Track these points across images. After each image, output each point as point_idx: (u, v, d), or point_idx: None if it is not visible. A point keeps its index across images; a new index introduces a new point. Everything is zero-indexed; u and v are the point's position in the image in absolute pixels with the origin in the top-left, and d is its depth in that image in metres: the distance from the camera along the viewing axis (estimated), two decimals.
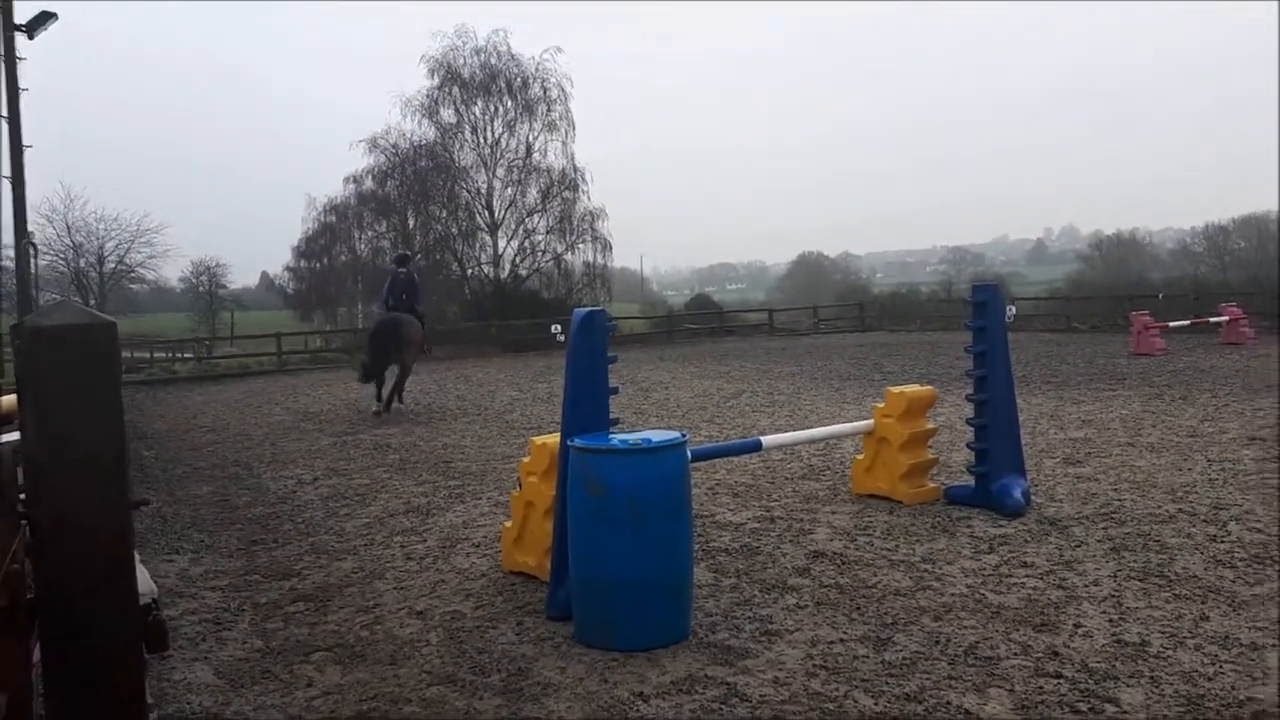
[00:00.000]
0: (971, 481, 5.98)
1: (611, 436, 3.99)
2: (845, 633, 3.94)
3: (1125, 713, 3.12)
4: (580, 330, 4.15)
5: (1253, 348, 16.83)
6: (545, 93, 31.25)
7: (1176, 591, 4.26)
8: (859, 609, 4.22)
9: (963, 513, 5.82)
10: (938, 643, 3.78)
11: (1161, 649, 3.63)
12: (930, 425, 6.32)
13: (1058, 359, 16.50)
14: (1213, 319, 18.79)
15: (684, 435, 3.97)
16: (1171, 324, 18.01)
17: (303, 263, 32.03)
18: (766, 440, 5.77)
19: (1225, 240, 57.94)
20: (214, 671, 3.86)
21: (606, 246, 31.88)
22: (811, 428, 8.37)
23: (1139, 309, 18.75)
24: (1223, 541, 5.00)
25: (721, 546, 5.33)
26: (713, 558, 5.12)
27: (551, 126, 31.39)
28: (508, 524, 5.02)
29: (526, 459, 4.84)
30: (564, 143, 31.49)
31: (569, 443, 3.95)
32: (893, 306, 36.53)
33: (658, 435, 3.93)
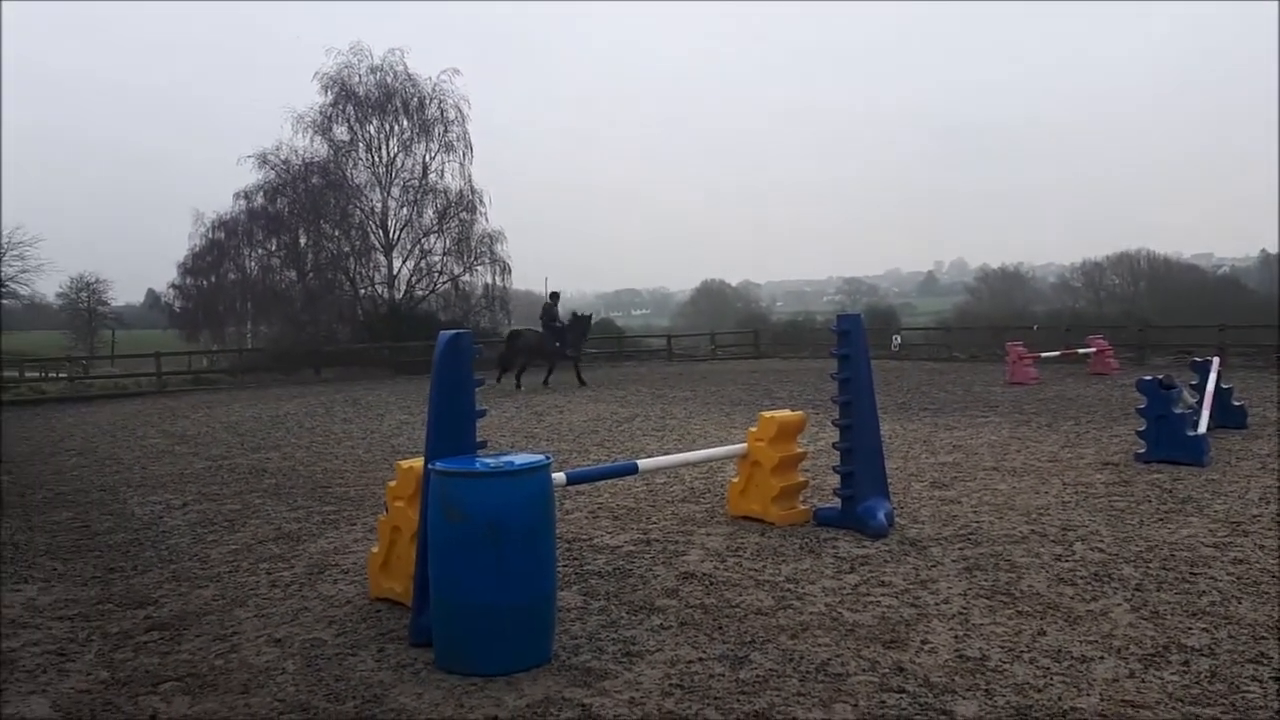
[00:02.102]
0: (839, 504, 6.18)
1: (475, 460, 3.99)
2: (705, 652, 4.02)
3: None
4: (445, 353, 4.15)
5: (1117, 378, 17.81)
6: (443, 113, 31.03)
7: (1019, 608, 4.49)
8: (721, 629, 4.31)
9: (830, 534, 6.00)
10: (792, 660, 3.90)
11: (999, 663, 3.81)
12: (800, 449, 6.50)
13: (937, 387, 17.15)
14: (1081, 350, 19.83)
15: (549, 458, 4.00)
16: (1044, 354, 18.94)
17: (189, 280, 30.85)
18: (643, 463, 5.85)
19: (1101, 276, 61.24)
20: (51, 704, 3.69)
21: (506, 269, 31.71)
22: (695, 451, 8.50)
23: (1015, 340, 19.64)
24: (1067, 561, 5.28)
25: (595, 569, 5.37)
26: (585, 580, 5.15)
27: (449, 147, 31.16)
28: (374, 550, 4.95)
29: (393, 483, 4.80)
30: (462, 164, 31.28)
31: (429, 466, 3.94)
32: (788, 334, 37.35)
33: (521, 458, 3.95)
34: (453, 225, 31.26)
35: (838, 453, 6.25)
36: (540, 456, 3.97)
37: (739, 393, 17.04)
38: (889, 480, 6.82)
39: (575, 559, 5.59)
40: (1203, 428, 8.68)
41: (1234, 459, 8.40)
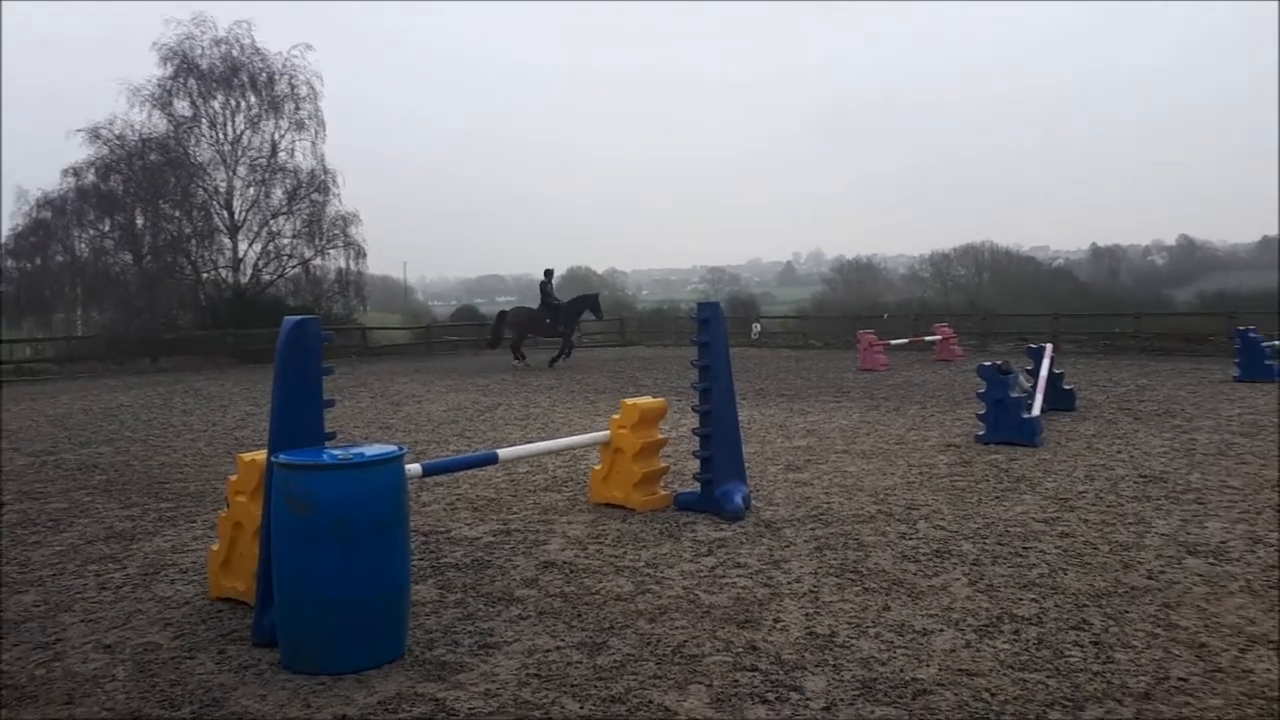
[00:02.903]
0: (698, 488, 6.27)
1: (322, 452, 3.83)
2: (563, 640, 4.00)
3: (808, 699, 3.36)
4: (289, 340, 3.96)
5: (961, 364, 18.79)
6: (293, 90, 29.71)
7: (866, 585, 4.66)
8: (580, 616, 4.30)
9: (690, 518, 6.09)
10: (649, 644, 3.92)
11: (847, 638, 3.95)
12: (662, 435, 6.56)
13: (794, 373, 17.67)
14: (927, 338, 20.81)
15: (402, 449, 3.88)
16: (893, 342, 19.79)
17: (11, 263, 28.52)
18: (503, 453, 5.77)
19: (948, 267, 64.49)
20: None
21: (360, 253, 30.69)
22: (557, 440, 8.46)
23: (867, 328, 20.44)
24: (911, 539, 5.52)
25: (452, 562, 5.26)
26: (441, 573, 5.04)
27: (300, 125, 29.87)
28: (214, 547, 4.70)
29: (234, 477, 4.56)
30: (314, 143, 30.06)
31: (272, 459, 3.76)
32: (653, 322, 37.70)
33: (372, 449, 3.82)
34: (303, 207, 30.04)
35: (698, 438, 6.34)
36: (392, 447, 3.85)
37: (604, 381, 17.08)
38: (746, 464, 6.98)
39: (432, 552, 5.47)
40: (1036, 410, 9.24)
41: (1064, 439, 8.98)
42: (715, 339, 6.16)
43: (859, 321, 26.06)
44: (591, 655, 3.82)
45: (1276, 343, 14.58)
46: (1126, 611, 4.18)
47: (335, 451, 3.82)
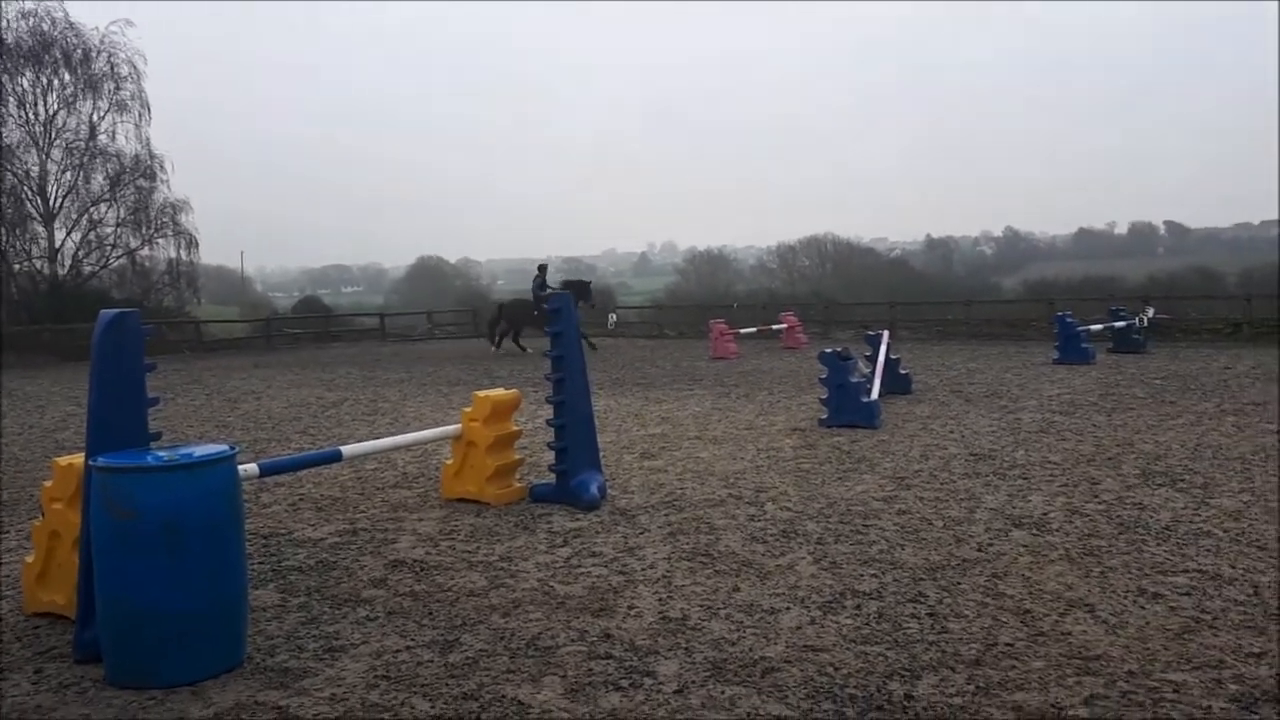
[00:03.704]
0: (553, 479, 6.24)
1: (146, 454, 3.59)
2: (414, 640, 3.90)
3: (661, 683, 3.40)
4: (106, 335, 3.69)
5: (805, 351, 19.45)
6: (113, 69, 27.76)
7: (717, 568, 4.75)
8: (431, 614, 4.20)
9: (545, 510, 6.05)
10: (503, 638, 3.87)
11: (699, 621, 4.01)
12: (516, 427, 6.49)
13: (649, 363, 17.87)
14: (774, 326, 21.45)
15: (234, 448, 3.68)
16: (743, 331, 20.29)
17: None
18: (348, 450, 5.57)
19: (794, 258, 66.72)
20: None
21: (192, 242, 29.01)
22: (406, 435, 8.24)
23: (718, 318, 20.88)
24: (759, 520, 5.67)
25: (295, 564, 5.05)
26: (284, 577, 4.82)
27: (121, 107, 27.95)
28: (29, 559, 4.34)
29: (49, 483, 4.23)
30: (137, 125, 28.20)
31: (91, 463, 3.50)
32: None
33: (202, 449, 3.61)
34: (128, 193, 28.14)
35: (552, 429, 6.30)
36: (224, 447, 3.65)
37: (457, 372, 16.79)
38: (602, 453, 7.00)
39: (273, 555, 5.23)
40: (875, 394, 9.66)
41: (901, 421, 9.43)
42: (567, 329, 6.14)
43: (710, 311, 26.59)
44: (443, 653, 3.74)
45: (1091, 327, 15.79)
46: (959, 583, 4.42)
47: (160, 453, 3.59)
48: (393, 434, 9.24)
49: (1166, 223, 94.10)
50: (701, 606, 4.19)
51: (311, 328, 30.29)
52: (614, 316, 30.07)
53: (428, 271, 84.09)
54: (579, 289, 20.77)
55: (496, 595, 4.43)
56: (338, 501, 6.53)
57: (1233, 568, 4.53)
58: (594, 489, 6.12)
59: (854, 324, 25.28)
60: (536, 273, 21.63)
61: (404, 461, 7.94)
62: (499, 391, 6.42)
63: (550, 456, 6.36)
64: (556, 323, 6.15)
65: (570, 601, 4.30)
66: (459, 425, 6.34)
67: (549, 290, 20.75)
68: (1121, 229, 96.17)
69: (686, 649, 3.71)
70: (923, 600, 4.20)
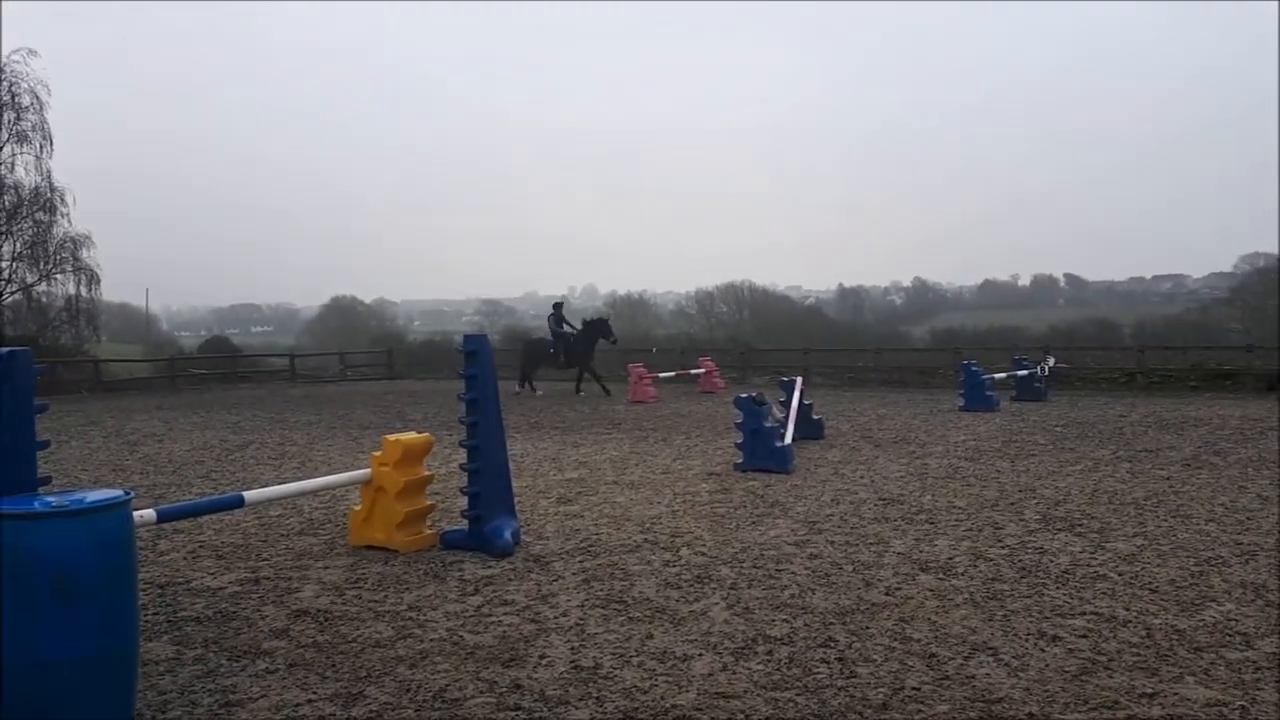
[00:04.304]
0: (466, 525, 6.14)
1: (33, 499, 3.42)
2: (315, 693, 3.77)
3: None
4: None
5: (722, 395, 19.64)
6: (14, 99, 26.77)
7: (631, 615, 4.72)
8: (335, 666, 4.07)
9: (457, 556, 5.94)
10: (409, 690, 3.77)
11: (611, 669, 3.97)
12: (427, 472, 6.38)
13: (567, 406, 17.81)
14: (693, 370, 21.65)
15: (129, 494, 3.53)
16: (662, 375, 20.41)
17: None
18: (250, 495, 5.40)
19: (712, 304, 67.66)
20: None
21: (94, 278, 27.99)
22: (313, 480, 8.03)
23: (637, 361, 20.98)
24: (674, 566, 5.67)
25: (192, 615, 4.84)
26: (179, 628, 4.62)
27: (22, 138, 26.95)
28: None
29: None
30: (38, 157, 27.21)
31: None
32: (424, 354, 36.84)
33: (95, 495, 3.45)
34: (25, 227, 27.05)
35: (465, 474, 6.21)
36: (118, 492, 3.49)
37: (369, 415, 16.46)
38: (517, 498, 6.93)
39: (168, 605, 5.01)
40: (789, 439, 9.80)
41: (813, 466, 9.57)
42: (483, 372, 6.09)
43: (629, 355, 26.70)
44: (346, 707, 3.62)
45: (995, 375, 16.35)
46: (867, 627, 4.48)
47: (50, 498, 3.41)
48: (299, 478, 9.00)
49: (1066, 275, 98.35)
50: (614, 654, 4.15)
51: (218, 368, 29.35)
52: None
53: (341, 311, 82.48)
54: (600, 328, 20.18)
55: (404, 646, 4.31)
56: (240, 549, 6.30)
57: (1126, 610, 4.69)
58: (508, 535, 6.04)
59: (769, 369, 25.68)
60: (552, 310, 21.09)
61: (310, 507, 7.72)
62: (410, 435, 6.31)
63: (463, 502, 6.26)
64: (471, 365, 6.10)
65: (480, 651, 4.22)
66: (368, 470, 6.20)
67: (567, 328, 20.45)
68: (1024, 280, 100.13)
69: (598, 698, 3.67)
70: (832, 645, 4.24)
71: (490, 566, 5.71)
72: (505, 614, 4.77)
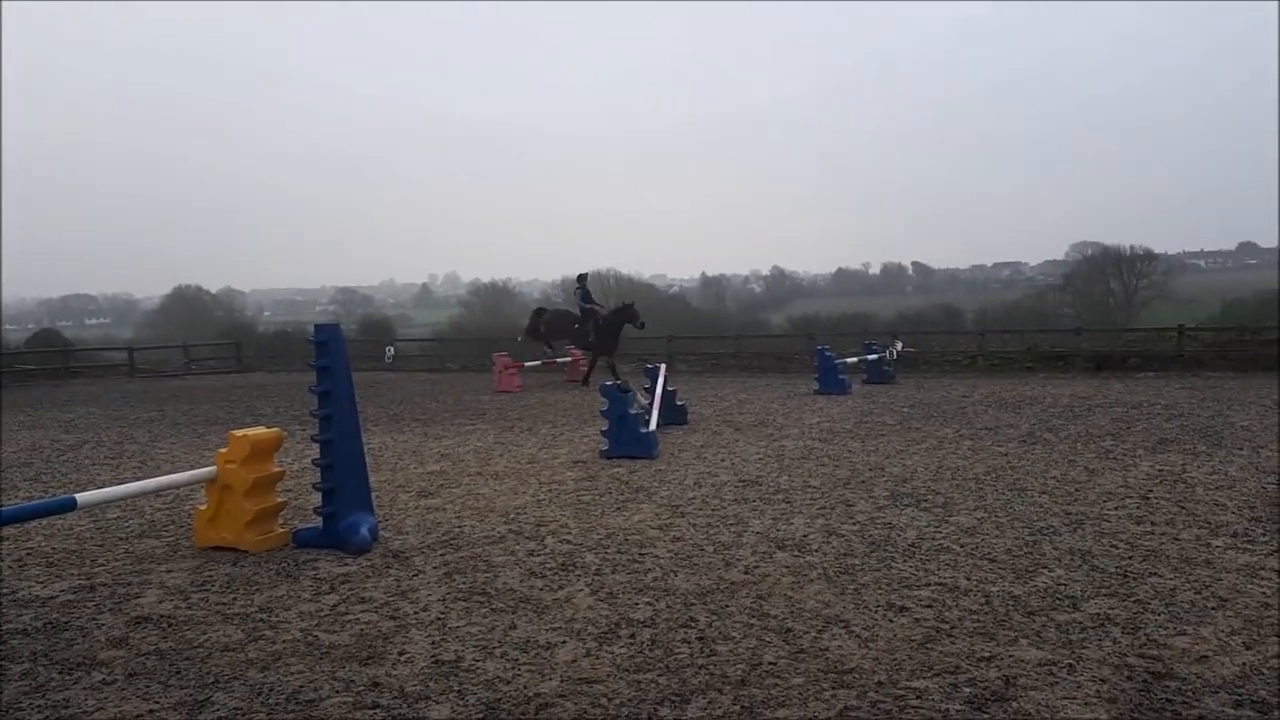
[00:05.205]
0: (320, 522, 5.93)
1: None
2: (157, 702, 3.57)
3: None
4: None
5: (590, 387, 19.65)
6: None
7: (494, 606, 4.68)
8: (179, 673, 3.87)
9: (311, 555, 5.74)
10: (260, 694, 3.62)
11: (473, 662, 3.93)
12: (278, 469, 6.13)
13: (429, 397, 17.46)
14: (560, 359, 21.58)
15: None
16: (527, 364, 20.26)
17: None
18: (83, 497, 5.07)
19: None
20: None
21: None
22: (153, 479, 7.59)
23: (502, 351, 20.74)
24: (539, 555, 5.65)
25: (19, 627, 4.51)
26: (4, 642, 4.29)
27: None
28: None
29: None
30: None
31: None
32: (276, 345, 35.37)
33: None
34: None
35: (318, 469, 6.00)
36: None
37: (216, 411, 15.69)
38: (375, 493, 6.75)
39: None
40: (653, 425, 9.91)
41: (677, 451, 9.71)
42: (335, 363, 5.89)
43: (494, 344, 26.38)
44: (191, 714, 3.45)
45: (847, 360, 16.98)
46: (727, 606, 4.59)
47: None
48: (140, 478, 8.49)
49: (914, 263, 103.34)
50: (476, 647, 4.10)
51: (47, 363, 27.36)
52: (391, 350, 29.19)
53: (186, 302, 78.17)
54: (627, 313, 18.94)
55: (254, 649, 4.14)
56: (73, 555, 5.90)
57: (968, 579, 4.97)
58: (364, 531, 5.88)
59: (634, 357, 25.88)
60: (577, 284, 20.40)
61: (152, 509, 7.30)
62: (259, 430, 6.05)
63: (317, 498, 6.05)
64: (323, 356, 5.89)
65: (336, 651, 4.09)
66: (213, 468, 5.91)
67: (593, 305, 19.47)
68: (875, 269, 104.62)
69: (459, 692, 3.62)
70: (693, 625, 4.32)
71: (346, 564, 5.54)
72: (363, 611, 4.64)
